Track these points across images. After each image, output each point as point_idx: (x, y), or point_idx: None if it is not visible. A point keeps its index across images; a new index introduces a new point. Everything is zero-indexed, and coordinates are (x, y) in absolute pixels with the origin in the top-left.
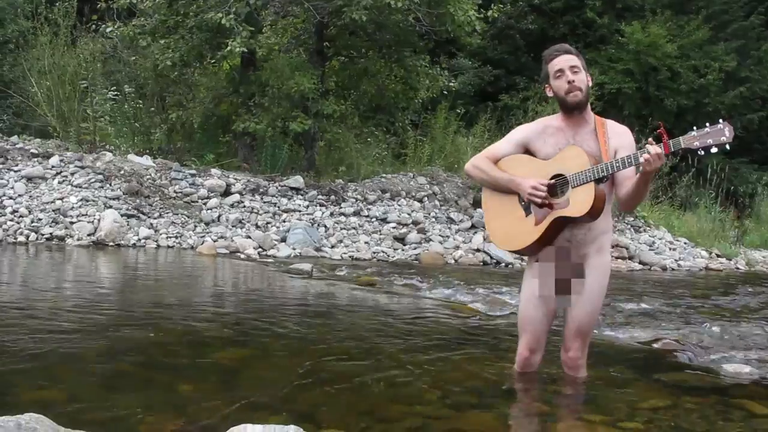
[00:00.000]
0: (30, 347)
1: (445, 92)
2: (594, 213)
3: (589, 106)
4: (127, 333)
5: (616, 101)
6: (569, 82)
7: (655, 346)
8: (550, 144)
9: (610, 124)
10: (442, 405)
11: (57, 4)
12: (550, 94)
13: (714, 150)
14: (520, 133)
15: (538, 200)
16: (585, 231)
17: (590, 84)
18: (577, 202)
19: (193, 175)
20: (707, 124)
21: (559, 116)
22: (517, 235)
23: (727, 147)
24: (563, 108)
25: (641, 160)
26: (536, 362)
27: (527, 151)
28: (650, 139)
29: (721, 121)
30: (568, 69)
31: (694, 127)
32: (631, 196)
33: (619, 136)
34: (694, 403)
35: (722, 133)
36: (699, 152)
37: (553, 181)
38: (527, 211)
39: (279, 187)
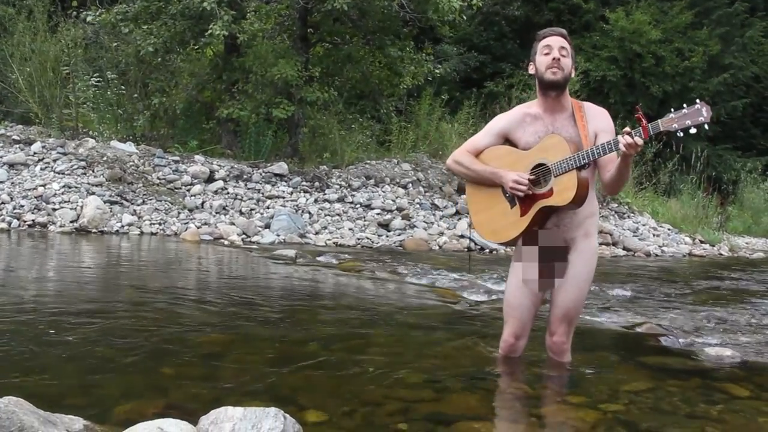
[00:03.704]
0: (11, 332)
1: (430, 78)
2: (578, 200)
3: (567, 92)
4: (110, 318)
5: (602, 88)
6: (553, 59)
7: (639, 330)
8: (530, 132)
9: (587, 106)
10: (426, 388)
11: None
12: (531, 71)
13: (693, 130)
14: (499, 123)
15: (521, 193)
16: (571, 216)
17: (573, 75)
18: (561, 191)
19: (176, 162)
20: (684, 105)
21: (536, 103)
22: (503, 228)
23: (706, 127)
24: (540, 86)
25: (621, 146)
26: (520, 348)
27: (507, 140)
28: (626, 129)
29: (698, 101)
30: (556, 48)
31: (672, 109)
32: (614, 179)
33: (597, 119)
34: (676, 386)
35: (699, 113)
36: (678, 134)
37: (533, 176)
38: (512, 203)
39: (263, 174)
